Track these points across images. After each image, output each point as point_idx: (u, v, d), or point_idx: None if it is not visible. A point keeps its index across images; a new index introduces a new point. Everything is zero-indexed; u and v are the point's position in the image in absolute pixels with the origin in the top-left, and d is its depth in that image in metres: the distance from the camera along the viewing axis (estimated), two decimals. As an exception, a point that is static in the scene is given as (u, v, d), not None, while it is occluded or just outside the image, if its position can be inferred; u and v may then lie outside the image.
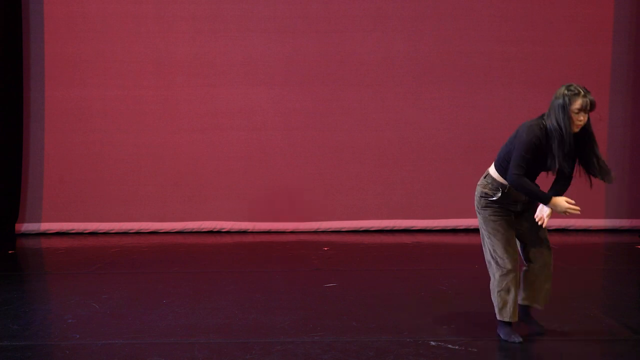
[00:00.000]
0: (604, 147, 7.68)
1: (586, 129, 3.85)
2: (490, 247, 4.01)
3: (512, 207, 4.03)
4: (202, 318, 4.47)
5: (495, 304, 4.02)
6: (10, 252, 6.76)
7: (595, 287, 5.57)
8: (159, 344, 3.99)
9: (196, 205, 7.66)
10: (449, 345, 3.92)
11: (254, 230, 7.66)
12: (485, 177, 4.06)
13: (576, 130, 3.79)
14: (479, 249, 6.77)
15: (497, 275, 3.98)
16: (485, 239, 4.05)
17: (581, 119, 3.77)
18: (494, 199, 3.99)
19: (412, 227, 7.68)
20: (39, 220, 7.61)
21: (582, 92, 3.76)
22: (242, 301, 4.87)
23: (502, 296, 3.98)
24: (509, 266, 3.95)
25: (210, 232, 7.65)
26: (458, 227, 7.67)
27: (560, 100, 3.76)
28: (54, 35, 7.49)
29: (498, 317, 4.02)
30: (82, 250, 6.85)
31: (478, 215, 4.09)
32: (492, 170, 4.04)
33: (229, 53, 7.55)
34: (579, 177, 4.05)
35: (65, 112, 7.56)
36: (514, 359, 3.80)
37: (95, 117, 7.58)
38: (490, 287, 4.04)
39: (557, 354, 3.84)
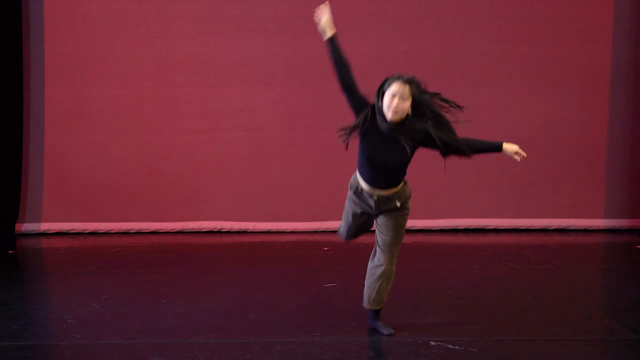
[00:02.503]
0: (604, 147, 7.69)
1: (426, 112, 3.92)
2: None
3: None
4: (202, 318, 4.47)
5: (378, 294, 4.16)
6: (10, 252, 6.76)
7: (595, 287, 5.57)
8: (159, 344, 3.99)
9: (196, 205, 7.66)
10: (449, 345, 3.92)
11: (254, 230, 7.66)
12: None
13: (393, 117, 3.81)
14: (479, 249, 6.78)
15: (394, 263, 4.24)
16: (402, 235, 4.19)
17: (395, 104, 3.79)
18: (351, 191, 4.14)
19: (412, 227, 7.67)
20: (39, 220, 7.62)
21: (402, 79, 3.87)
22: (242, 301, 4.87)
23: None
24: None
25: (210, 232, 7.65)
26: (458, 227, 7.67)
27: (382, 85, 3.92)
28: (54, 35, 7.49)
29: (377, 307, 4.17)
30: (82, 250, 6.85)
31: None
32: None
33: (229, 53, 7.55)
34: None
35: (65, 112, 7.56)
36: (514, 359, 3.80)
37: (95, 117, 7.58)
38: (384, 276, 4.20)
39: (557, 354, 3.84)
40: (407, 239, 7.33)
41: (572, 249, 6.89)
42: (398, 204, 4.03)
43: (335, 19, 7.52)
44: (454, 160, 7.57)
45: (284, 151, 7.64)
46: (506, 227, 7.67)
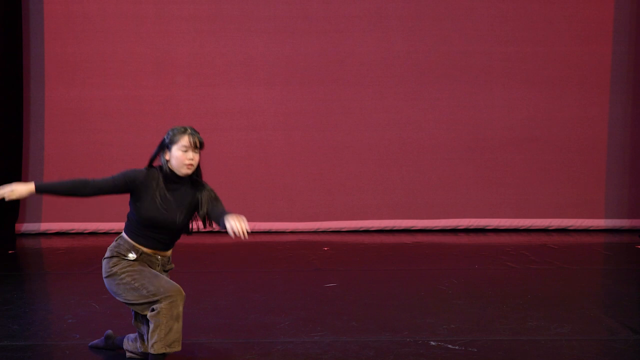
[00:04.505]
0: (604, 147, 7.69)
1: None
2: (142, 291, 3.49)
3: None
4: (202, 318, 4.47)
5: (161, 335, 3.41)
6: (10, 252, 6.76)
7: (595, 287, 5.57)
8: (159, 344, 3.98)
9: (196, 205, 7.64)
10: (449, 345, 3.92)
11: (254, 230, 7.65)
12: (116, 241, 3.65)
13: (188, 171, 3.62)
14: (479, 249, 6.78)
15: (163, 305, 3.46)
16: (130, 292, 3.49)
17: (191, 157, 3.60)
18: (128, 259, 3.57)
19: (412, 227, 7.68)
20: (39, 220, 7.61)
21: (189, 130, 3.62)
22: (242, 301, 4.87)
23: (174, 325, 3.46)
24: (171, 292, 3.55)
25: (211, 232, 7.62)
26: (458, 227, 7.67)
27: (165, 139, 3.59)
28: (54, 35, 7.48)
29: (169, 350, 3.43)
30: (82, 250, 6.84)
31: (109, 282, 3.53)
32: (124, 234, 3.66)
33: (229, 53, 7.55)
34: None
35: (65, 112, 7.56)
36: (514, 359, 3.79)
37: (95, 117, 7.58)
38: (154, 322, 3.44)
39: (557, 353, 3.84)
40: (407, 239, 7.40)
41: (572, 249, 6.88)
42: (173, 266, 3.92)
43: (336, 18, 7.56)
44: (454, 160, 7.61)
45: (284, 151, 7.64)
46: (506, 227, 7.67)
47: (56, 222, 7.60)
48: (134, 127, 7.58)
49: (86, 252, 6.69)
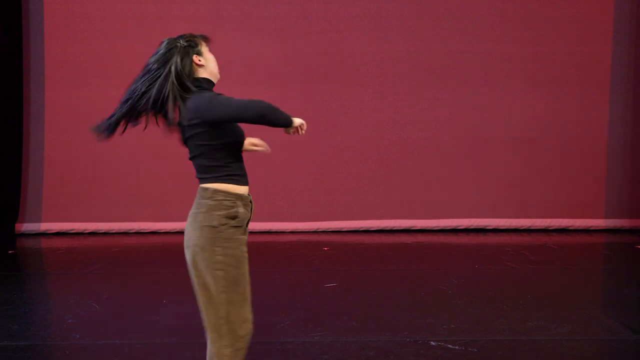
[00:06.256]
0: (604, 147, 7.69)
1: None
2: (226, 306, 2.74)
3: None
4: (202, 318, 4.47)
5: None
6: (10, 252, 6.76)
7: (595, 287, 5.57)
8: (159, 344, 3.99)
9: (196, 205, 7.65)
10: (449, 345, 3.92)
11: (254, 230, 7.65)
12: (208, 198, 2.75)
13: (219, 76, 2.97)
14: (478, 249, 6.78)
15: (227, 350, 2.73)
16: (220, 293, 2.72)
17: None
18: (239, 219, 2.76)
19: (412, 227, 7.68)
20: (39, 220, 7.61)
21: (193, 34, 2.91)
22: (242, 301, 4.86)
23: None
24: (244, 332, 2.76)
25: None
26: (458, 227, 7.67)
27: (182, 44, 2.81)
28: (54, 35, 7.48)
29: None
30: (82, 250, 6.85)
31: (207, 260, 2.69)
32: (212, 185, 2.82)
33: (229, 53, 7.54)
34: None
35: (65, 112, 7.56)
36: (514, 359, 3.80)
37: (95, 117, 7.53)
38: None
39: (557, 354, 3.84)
40: (407, 239, 7.40)
41: (572, 249, 6.88)
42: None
43: (336, 18, 7.57)
44: (454, 160, 7.61)
45: (284, 151, 7.63)
46: (506, 227, 7.67)
47: (56, 222, 7.60)
48: (134, 127, 7.57)
49: (86, 252, 6.69)
